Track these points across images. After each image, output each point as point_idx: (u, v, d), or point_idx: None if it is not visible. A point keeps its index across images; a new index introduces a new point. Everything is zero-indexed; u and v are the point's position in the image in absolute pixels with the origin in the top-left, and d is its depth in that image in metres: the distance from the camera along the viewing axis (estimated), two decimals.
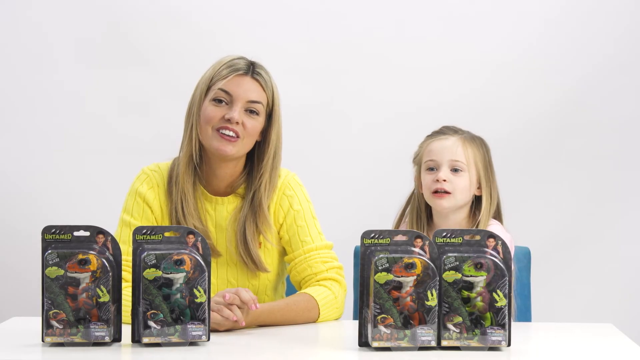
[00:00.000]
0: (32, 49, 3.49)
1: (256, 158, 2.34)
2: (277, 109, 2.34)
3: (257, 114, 2.30)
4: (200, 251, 1.93)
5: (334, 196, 3.47)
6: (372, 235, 1.92)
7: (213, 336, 1.98)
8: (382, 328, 1.87)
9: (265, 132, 2.33)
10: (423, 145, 2.57)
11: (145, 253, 1.90)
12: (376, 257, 1.87)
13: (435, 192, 2.48)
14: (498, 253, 1.91)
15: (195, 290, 1.91)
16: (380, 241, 1.92)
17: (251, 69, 2.30)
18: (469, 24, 3.53)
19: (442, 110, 3.51)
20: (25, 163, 3.51)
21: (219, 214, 2.34)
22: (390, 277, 1.87)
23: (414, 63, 3.53)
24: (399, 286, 1.87)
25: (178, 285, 1.91)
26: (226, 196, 2.35)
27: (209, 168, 2.33)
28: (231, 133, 2.27)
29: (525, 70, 3.53)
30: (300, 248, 2.34)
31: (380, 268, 1.87)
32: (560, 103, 3.53)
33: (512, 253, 2.47)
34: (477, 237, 1.92)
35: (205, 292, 1.91)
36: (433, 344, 1.88)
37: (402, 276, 1.87)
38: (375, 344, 1.88)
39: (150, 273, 1.90)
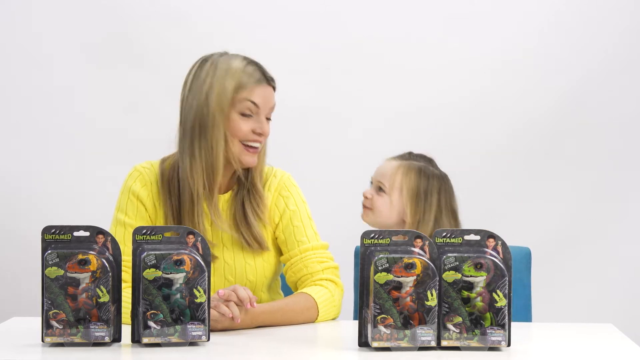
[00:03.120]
0: (31, 50, 3.50)
1: None
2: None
3: (271, 117, 2.34)
4: (200, 251, 1.94)
5: (334, 196, 3.47)
6: (372, 235, 1.92)
7: (213, 336, 1.98)
8: (382, 328, 1.87)
9: None
10: None
11: (145, 253, 1.90)
12: (376, 257, 1.88)
13: (363, 205, 2.64)
14: (498, 253, 1.91)
15: (195, 290, 1.91)
16: (380, 241, 1.92)
17: (266, 77, 2.30)
18: (469, 25, 3.53)
19: (443, 112, 3.51)
20: (25, 163, 3.51)
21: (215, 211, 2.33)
22: (390, 277, 1.87)
23: (414, 65, 3.53)
24: (398, 286, 1.87)
25: (178, 286, 1.91)
26: (222, 194, 2.35)
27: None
28: (258, 145, 2.29)
29: (525, 71, 3.53)
30: (296, 248, 2.35)
31: (380, 268, 1.87)
32: (561, 103, 3.54)
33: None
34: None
35: (205, 292, 1.91)
36: (433, 344, 1.88)
37: (402, 276, 1.87)
38: (375, 344, 1.88)
39: (150, 273, 1.90)
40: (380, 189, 2.60)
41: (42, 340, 1.90)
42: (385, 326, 1.87)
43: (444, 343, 1.89)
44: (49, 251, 1.89)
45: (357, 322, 1.97)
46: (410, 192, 2.58)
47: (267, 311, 2.17)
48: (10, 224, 3.50)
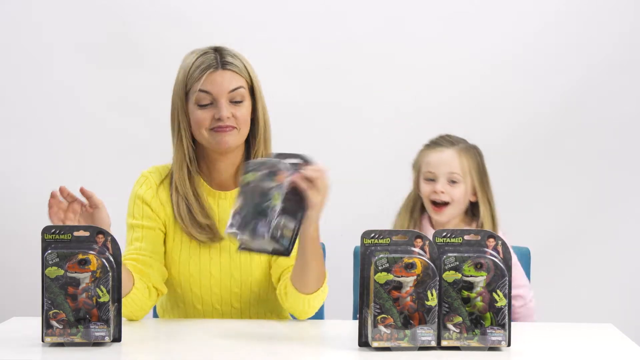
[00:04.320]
0: (32, 50, 3.49)
1: (251, 137, 2.37)
2: (257, 85, 2.35)
3: (242, 100, 2.31)
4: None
5: (334, 196, 3.46)
6: (372, 235, 1.92)
7: (213, 336, 1.97)
8: (382, 328, 1.87)
9: (254, 110, 2.35)
10: (421, 155, 2.72)
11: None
12: (376, 257, 1.88)
13: (434, 203, 2.64)
14: (498, 253, 1.91)
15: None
16: (380, 241, 1.92)
17: (220, 62, 2.29)
18: (468, 24, 3.53)
19: (443, 110, 3.51)
20: (25, 163, 3.51)
21: (222, 209, 2.34)
22: (390, 277, 1.87)
23: (414, 63, 3.53)
24: (399, 286, 1.87)
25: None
26: (229, 190, 2.36)
27: (209, 163, 2.35)
28: (227, 127, 2.29)
29: (525, 70, 3.53)
30: None
31: (380, 268, 1.87)
32: (561, 103, 3.53)
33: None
34: (478, 237, 1.93)
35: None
36: (433, 344, 1.88)
37: (402, 276, 1.87)
38: (375, 344, 1.88)
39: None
40: (452, 181, 2.63)
41: (42, 340, 1.90)
42: (386, 326, 1.87)
43: (444, 343, 1.89)
44: (49, 251, 1.89)
45: (357, 322, 1.97)
46: (477, 173, 2.66)
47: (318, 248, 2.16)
48: (11, 224, 3.50)
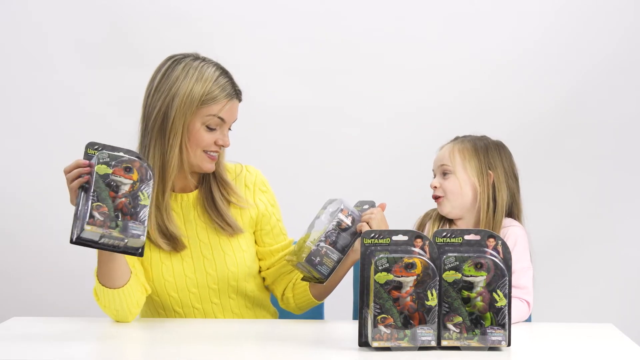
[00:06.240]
0: (31, 50, 3.49)
1: None
2: None
3: (230, 129, 2.34)
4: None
5: (335, 196, 3.46)
6: (372, 235, 1.92)
7: (214, 336, 1.97)
8: (382, 328, 1.87)
9: None
10: None
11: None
12: (376, 257, 1.88)
13: (435, 197, 2.60)
14: (498, 253, 1.91)
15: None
16: (380, 241, 1.92)
17: (236, 91, 2.30)
18: (468, 24, 3.53)
19: (442, 111, 3.51)
20: (25, 163, 3.51)
21: (186, 210, 2.34)
22: (391, 277, 1.87)
23: (414, 63, 3.53)
24: (399, 286, 1.87)
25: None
26: (191, 192, 2.37)
27: (180, 173, 2.33)
28: (217, 154, 2.31)
29: (525, 71, 3.53)
30: (285, 240, 2.45)
31: (380, 268, 1.87)
32: (561, 103, 3.53)
33: (523, 248, 2.58)
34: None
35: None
36: (433, 344, 1.88)
37: (402, 276, 1.87)
38: (375, 344, 1.88)
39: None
40: (444, 174, 2.58)
41: (83, 229, 1.97)
42: (386, 326, 1.87)
43: (444, 343, 1.89)
44: (101, 150, 2.02)
45: (357, 322, 1.97)
46: (475, 170, 2.58)
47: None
48: (10, 224, 3.50)
